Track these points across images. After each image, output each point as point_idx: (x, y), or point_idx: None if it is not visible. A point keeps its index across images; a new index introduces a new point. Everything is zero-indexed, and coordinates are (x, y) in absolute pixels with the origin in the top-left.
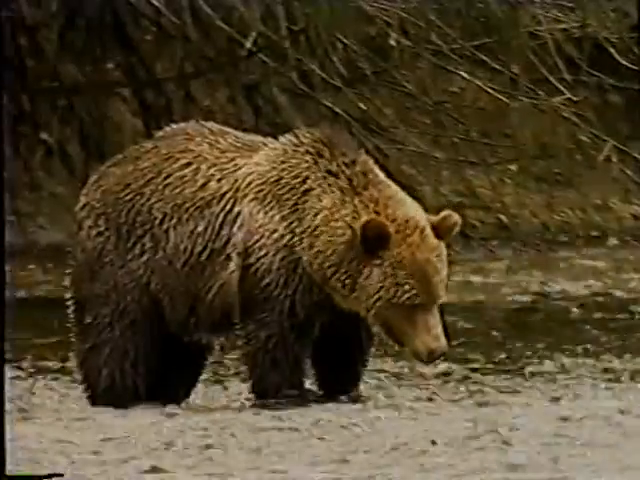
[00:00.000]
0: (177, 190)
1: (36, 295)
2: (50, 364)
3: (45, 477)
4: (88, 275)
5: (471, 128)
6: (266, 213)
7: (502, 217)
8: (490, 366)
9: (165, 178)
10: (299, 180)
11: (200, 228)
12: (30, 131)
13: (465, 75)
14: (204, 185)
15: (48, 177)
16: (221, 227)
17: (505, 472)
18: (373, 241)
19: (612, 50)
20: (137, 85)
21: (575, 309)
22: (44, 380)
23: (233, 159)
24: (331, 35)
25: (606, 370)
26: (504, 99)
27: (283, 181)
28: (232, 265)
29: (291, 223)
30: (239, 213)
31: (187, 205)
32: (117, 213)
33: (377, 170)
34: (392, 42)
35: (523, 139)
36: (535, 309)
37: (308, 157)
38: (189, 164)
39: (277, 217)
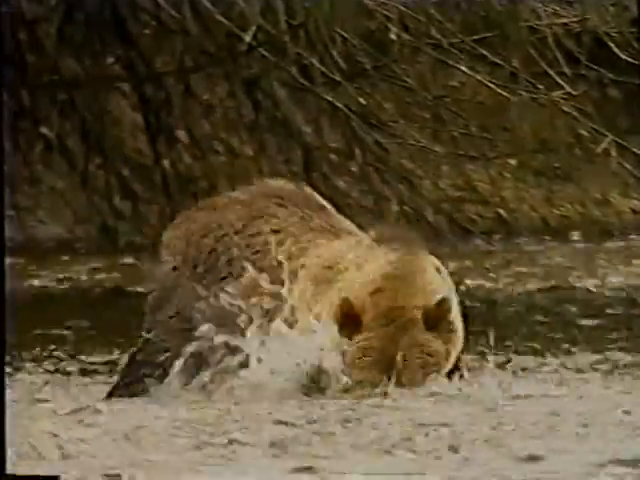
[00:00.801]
0: (259, 254)
1: (33, 288)
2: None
3: (45, 477)
4: (158, 303)
5: (471, 122)
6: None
7: (501, 211)
8: None
9: (251, 237)
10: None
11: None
12: (30, 125)
13: (465, 69)
14: (282, 262)
15: (48, 171)
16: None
17: None
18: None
19: (612, 44)
20: (137, 79)
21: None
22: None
23: (313, 240)
24: (331, 29)
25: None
26: (504, 93)
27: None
28: None
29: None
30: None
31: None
32: (197, 255)
33: None
34: (392, 36)
35: (522, 133)
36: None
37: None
38: (277, 232)
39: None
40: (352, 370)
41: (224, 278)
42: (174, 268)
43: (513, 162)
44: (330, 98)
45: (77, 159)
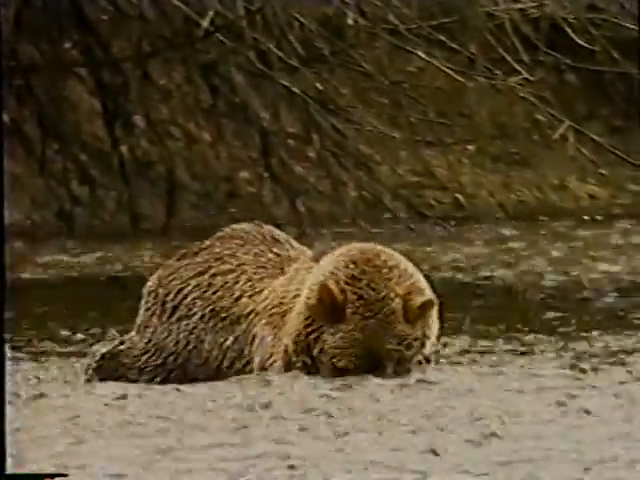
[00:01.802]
0: (217, 294)
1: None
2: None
3: (46, 476)
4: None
5: (428, 108)
6: (276, 338)
7: (459, 197)
8: None
9: (211, 277)
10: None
11: (229, 342)
12: None
13: (422, 55)
14: (238, 299)
15: (5, 157)
16: (244, 347)
17: None
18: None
19: (569, 30)
20: (94, 65)
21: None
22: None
23: (263, 278)
24: (288, 15)
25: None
26: (461, 79)
27: (285, 303)
28: None
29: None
30: (254, 336)
31: (222, 314)
32: (165, 292)
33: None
34: (349, 21)
35: (480, 119)
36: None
37: (304, 273)
38: (232, 271)
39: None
40: (335, 358)
41: (184, 316)
42: (147, 309)
43: (471, 148)
44: (287, 83)
45: (34, 144)
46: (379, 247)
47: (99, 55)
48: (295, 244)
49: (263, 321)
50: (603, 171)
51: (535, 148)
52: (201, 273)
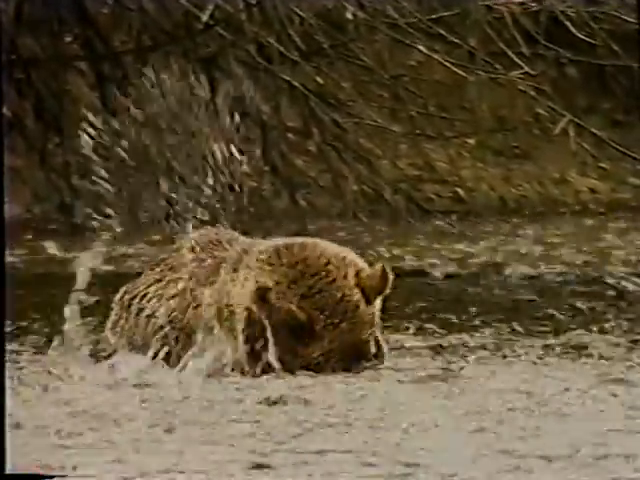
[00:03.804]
0: (171, 302)
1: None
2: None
3: (46, 477)
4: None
5: (429, 102)
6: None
7: (459, 190)
8: None
9: (167, 283)
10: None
11: (190, 354)
12: None
13: (422, 49)
14: (186, 309)
15: (5, 150)
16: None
17: None
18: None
19: (569, 23)
20: (94, 58)
21: None
22: None
23: (200, 287)
24: (288, 8)
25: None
26: (462, 72)
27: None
28: None
29: None
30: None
31: (178, 325)
32: (130, 297)
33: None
34: (349, 15)
35: (481, 113)
36: None
37: (229, 277)
38: (180, 279)
39: None
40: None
41: (150, 315)
42: (115, 314)
43: (471, 141)
44: (287, 77)
45: (35, 138)
46: (300, 242)
47: (99, 49)
48: (240, 241)
49: (204, 336)
50: (604, 165)
51: (536, 142)
52: (159, 280)
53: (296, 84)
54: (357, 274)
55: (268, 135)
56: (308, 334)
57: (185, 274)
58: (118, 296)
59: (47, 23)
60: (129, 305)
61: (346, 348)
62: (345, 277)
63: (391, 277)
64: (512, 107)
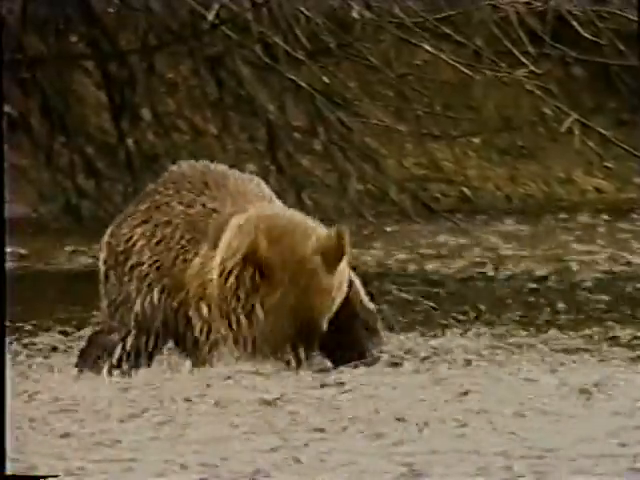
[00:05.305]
0: (159, 248)
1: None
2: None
3: (46, 477)
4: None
5: (434, 101)
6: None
7: (465, 190)
8: None
9: (154, 227)
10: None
11: (175, 304)
12: None
13: (428, 48)
14: (175, 261)
15: (10, 149)
16: (187, 313)
17: None
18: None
19: (575, 23)
20: (100, 57)
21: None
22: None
23: (191, 240)
24: (294, 8)
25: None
26: (467, 72)
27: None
28: None
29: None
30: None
31: (165, 274)
32: (117, 244)
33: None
34: (355, 15)
35: (486, 112)
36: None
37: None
38: (168, 223)
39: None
40: (265, 333)
41: (132, 267)
42: (105, 261)
43: (477, 141)
44: (294, 76)
45: (41, 137)
46: (269, 212)
47: (105, 48)
48: (229, 183)
49: (196, 299)
50: (609, 164)
51: (541, 141)
52: (145, 222)
53: (302, 83)
54: (319, 244)
55: (274, 134)
56: (267, 279)
57: (172, 216)
58: (104, 239)
59: (53, 22)
60: (116, 253)
61: (297, 311)
62: (306, 243)
63: (347, 240)
64: (518, 106)
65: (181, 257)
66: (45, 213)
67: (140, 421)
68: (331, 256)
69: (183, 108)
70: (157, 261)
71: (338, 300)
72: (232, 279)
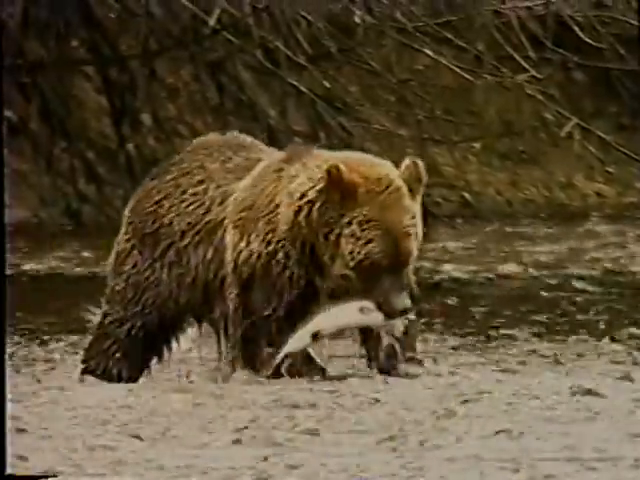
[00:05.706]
0: (191, 208)
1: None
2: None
3: (46, 477)
4: (114, 272)
5: (435, 106)
6: (248, 243)
7: (466, 195)
8: None
9: (182, 193)
10: (269, 200)
11: (209, 255)
12: None
13: (430, 53)
14: (209, 208)
15: (11, 154)
16: (223, 255)
17: None
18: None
19: (576, 28)
20: (101, 62)
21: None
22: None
23: (231, 182)
24: (295, 12)
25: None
26: (469, 77)
27: (255, 206)
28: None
29: (267, 234)
30: (226, 242)
31: (198, 227)
32: (142, 223)
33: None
34: (356, 19)
35: (487, 117)
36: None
37: (275, 175)
38: (201, 182)
39: (255, 244)
40: (354, 251)
41: (167, 245)
42: (128, 239)
43: (478, 145)
44: (295, 81)
45: (41, 142)
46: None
47: (106, 53)
48: (263, 147)
49: (231, 226)
50: (610, 169)
51: (542, 146)
52: (170, 194)
53: (303, 88)
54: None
55: (275, 139)
56: (353, 201)
57: (205, 175)
58: (127, 218)
59: (54, 27)
60: (143, 235)
61: (386, 221)
62: (384, 167)
63: (422, 167)
64: (519, 111)
65: (216, 201)
66: (46, 217)
67: None
68: (412, 181)
69: (184, 113)
70: (188, 224)
71: (420, 235)
72: (315, 209)
